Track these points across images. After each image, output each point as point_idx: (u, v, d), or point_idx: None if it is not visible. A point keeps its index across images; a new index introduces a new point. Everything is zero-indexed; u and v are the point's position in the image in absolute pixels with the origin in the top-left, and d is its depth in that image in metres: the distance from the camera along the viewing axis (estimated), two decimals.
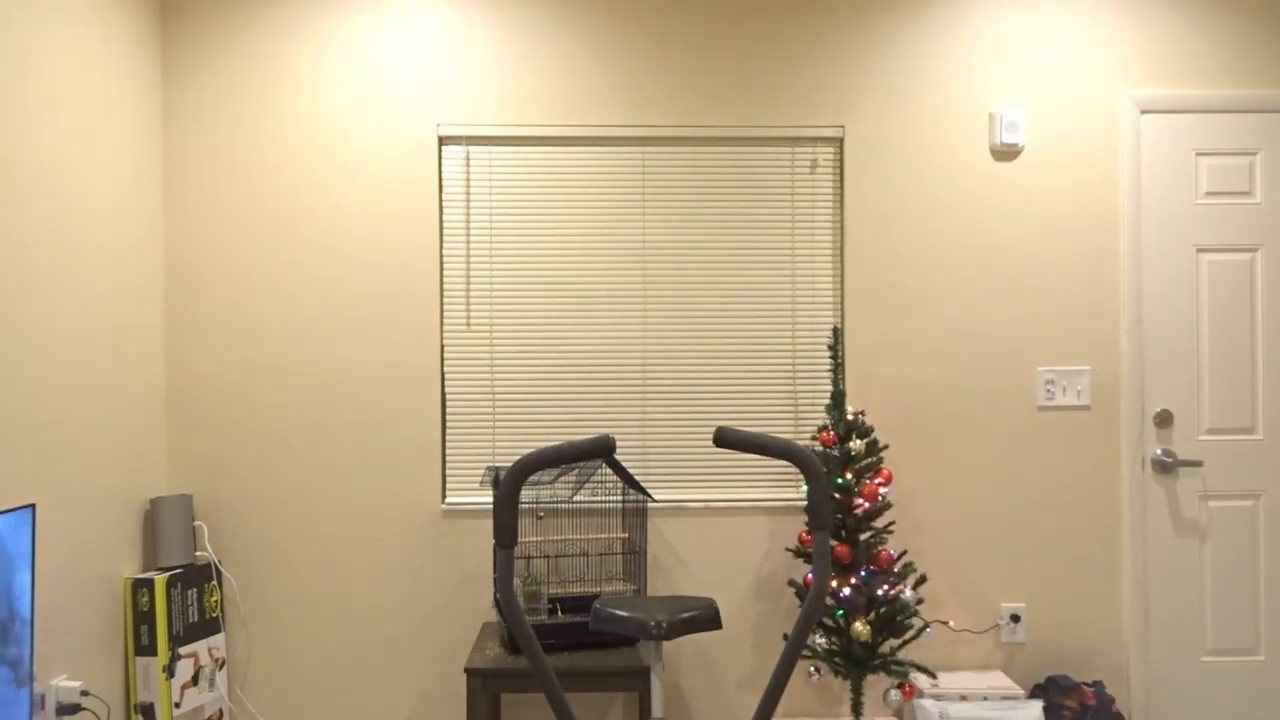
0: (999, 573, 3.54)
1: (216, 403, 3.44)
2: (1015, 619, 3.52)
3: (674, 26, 3.51)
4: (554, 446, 1.92)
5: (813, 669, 3.39)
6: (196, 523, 3.42)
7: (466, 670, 2.96)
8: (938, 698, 3.26)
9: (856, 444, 3.26)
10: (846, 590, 3.18)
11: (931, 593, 3.53)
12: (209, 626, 3.30)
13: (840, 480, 3.25)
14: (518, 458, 2.55)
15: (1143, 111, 3.54)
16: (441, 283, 3.50)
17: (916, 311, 3.54)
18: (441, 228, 3.50)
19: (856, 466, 3.27)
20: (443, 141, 3.50)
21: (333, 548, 3.46)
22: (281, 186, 3.45)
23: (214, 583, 3.35)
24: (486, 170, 3.51)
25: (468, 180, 3.51)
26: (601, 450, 1.94)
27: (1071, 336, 3.54)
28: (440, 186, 3.50)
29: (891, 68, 3.53)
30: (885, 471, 3.28)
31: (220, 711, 3.35)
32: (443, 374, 3.51)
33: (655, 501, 3.51)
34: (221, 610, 3.39)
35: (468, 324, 3.51)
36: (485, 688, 2.97)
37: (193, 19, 3.44)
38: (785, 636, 3.52)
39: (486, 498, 3.50)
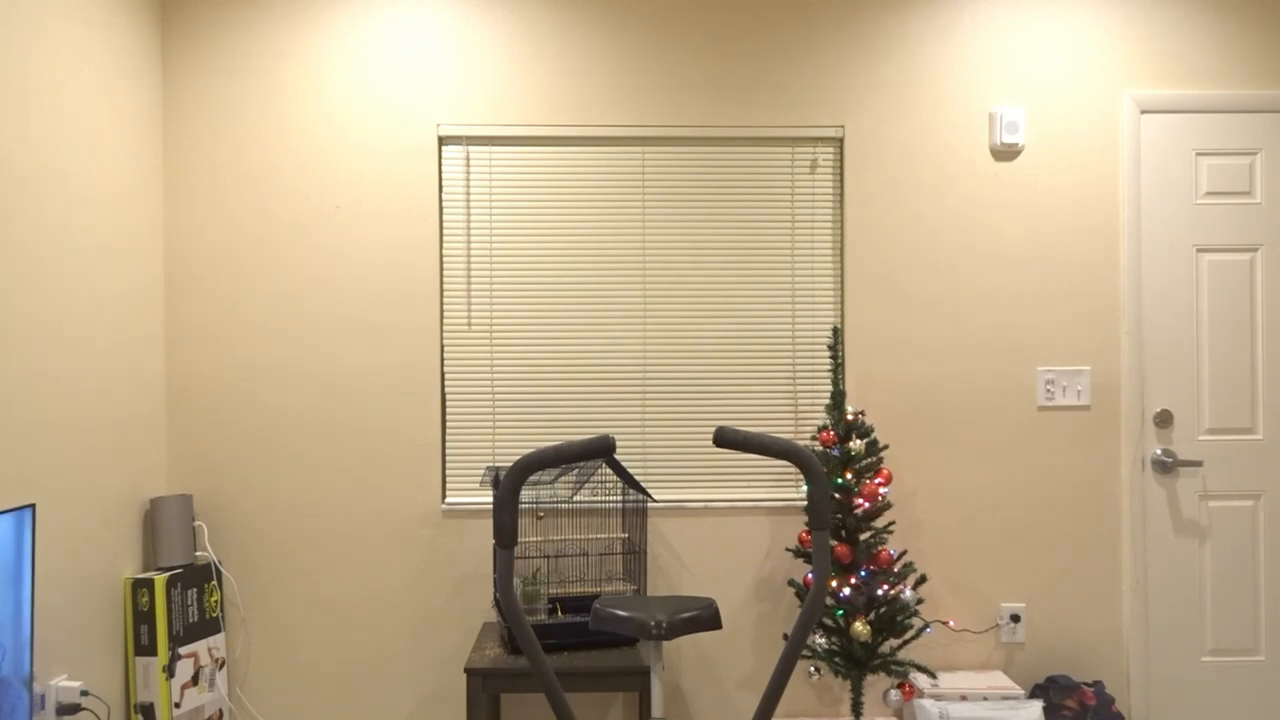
0: (999, 573, 3.54)
1: (216, 402, 3.44)
2: (1015, 619, 3.52)
3: (674, 26, 3.51)
4: (554, 446, 1.92)
5: (813, 669, 3.39)
6: (196, 523, 3.42)
7: (466, 670, 2.96)
8: (938, 698, 3.26)
9: (856, 444, 3.26)
10: (846, 590, 3.18)
11: (931, 593, 3.53)
12: (209, 626, 3.30)
13: (840, 480, 3.25)
14: (518, 458, 2.56)
15: (1143, 111, 3.54)
16: (441, 283, 3.51)
17: (916, 311, 3.54)
18: (441, 228, 3.50)
19: (856, 466, 3.27)
20: (443, 141, 3.50)
21: (333, 547, 3.46)
22: (281, 186, 3.45)
23: (214, 583, 3.35)
24: (486, 170, 3.51)
25: (468, 180, 3.51)
26: (601, 450, 1.94)
27: (1071, 336, 3.54)
28: (440, 186, 3.50)
29: (891, 68, 3.53)
30: (885, 471, 3.28)
31: (220, 711, 3.35)
32: (443, 374, 3.51)
33: (655, 501, 3.51)
34: (221, 610, 3.39)
35: (468, 324, 3.51)
36: (485, 688, 2.97)
37: (193, 20, 3.44)
38: (785, 636, 3.52)
39: (486, 498, 3.50)
